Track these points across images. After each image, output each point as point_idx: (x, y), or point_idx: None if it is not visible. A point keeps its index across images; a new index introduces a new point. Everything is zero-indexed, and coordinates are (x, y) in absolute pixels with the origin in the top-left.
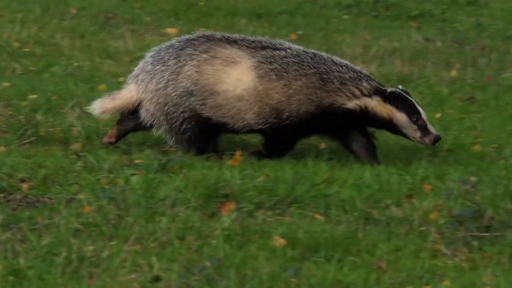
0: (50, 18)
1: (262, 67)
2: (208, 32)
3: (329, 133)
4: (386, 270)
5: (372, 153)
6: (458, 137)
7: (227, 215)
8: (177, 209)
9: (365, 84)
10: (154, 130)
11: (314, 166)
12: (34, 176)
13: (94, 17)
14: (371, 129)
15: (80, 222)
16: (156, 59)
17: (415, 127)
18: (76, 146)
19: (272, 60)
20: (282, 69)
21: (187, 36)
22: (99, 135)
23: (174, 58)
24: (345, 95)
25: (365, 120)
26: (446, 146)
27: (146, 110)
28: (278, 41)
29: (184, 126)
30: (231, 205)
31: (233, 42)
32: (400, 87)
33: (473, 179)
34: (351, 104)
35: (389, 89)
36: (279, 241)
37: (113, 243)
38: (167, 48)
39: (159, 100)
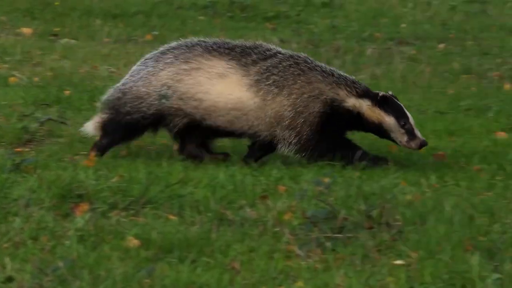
0: None
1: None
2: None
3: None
4: (239, 270)
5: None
6: None
7: (81, 216)
8: (30, 210)
9: (357, 85)
10: None
11: (168, 166)
12: None
13: None
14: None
15: None
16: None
17: (402, 131)
18: None
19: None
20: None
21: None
22: None
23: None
24: (346, 90)
25: (355, 123)
26: None
27: None
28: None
29: None
30: (85, 206)
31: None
32: (390, 92)
33: (326, 180)
34: (350, 102)
35: (381, 93)
36: (133, 242)
37: None
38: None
39: None
